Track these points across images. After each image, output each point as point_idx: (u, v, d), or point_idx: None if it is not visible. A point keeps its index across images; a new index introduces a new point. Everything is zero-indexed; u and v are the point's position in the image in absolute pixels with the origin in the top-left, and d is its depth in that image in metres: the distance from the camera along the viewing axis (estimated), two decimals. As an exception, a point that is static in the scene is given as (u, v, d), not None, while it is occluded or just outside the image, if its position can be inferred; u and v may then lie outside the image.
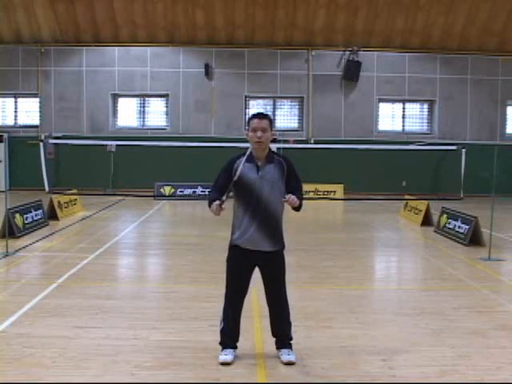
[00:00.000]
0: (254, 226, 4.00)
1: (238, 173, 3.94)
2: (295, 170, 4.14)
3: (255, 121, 4.02)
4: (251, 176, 3.99)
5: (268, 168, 4.02)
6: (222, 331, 4.20)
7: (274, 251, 4.08)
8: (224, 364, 4.04)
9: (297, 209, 4.07)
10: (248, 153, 4.05)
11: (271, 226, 4.05)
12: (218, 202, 3.89)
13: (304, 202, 4.13)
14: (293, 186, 4.07)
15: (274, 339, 4.28)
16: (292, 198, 3.89)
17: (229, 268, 4.18)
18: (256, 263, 4.12)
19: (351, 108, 20.88)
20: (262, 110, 21.38)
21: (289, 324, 4.26)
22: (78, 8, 19.66)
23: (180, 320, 5.14)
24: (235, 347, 4.20)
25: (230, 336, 4.19)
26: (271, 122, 4.09)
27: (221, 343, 4.20)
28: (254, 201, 3.99)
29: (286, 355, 4.12)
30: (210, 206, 3.96)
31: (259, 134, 3.96)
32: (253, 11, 19.77)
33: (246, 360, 4.16)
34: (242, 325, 4.25)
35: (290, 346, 4.20)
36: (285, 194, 4.00)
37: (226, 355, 4.10)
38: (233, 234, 4.13)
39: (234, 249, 4.12)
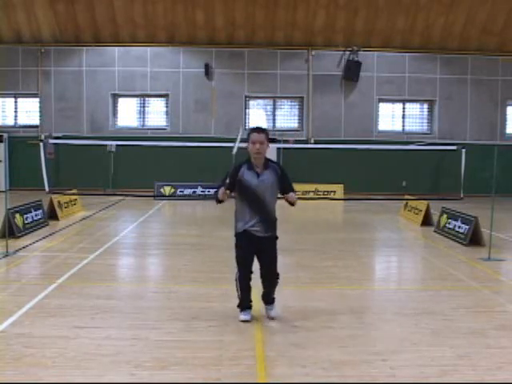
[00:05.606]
0: (256, 219, 4.88)
1: (242, 177, 4.86)
2: (286, 172, 5.03)
3: (254, 134, 4.81)
4: (253, 182, 4.85)
5: (265, 174, 4.88)
6: (241, 298, 5.11)
7: (269, 236, 4.99)
8: (245, 322, 4.99)
9: (292, 204, 4.91)
10: (247, 161, 4.89)
11: (269, 219, 4.95)
12: (223, 190, 4.71)
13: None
14: (286, 185, 4.97)
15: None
16: (291, 195, 4.87)
17: (237, 250, 5.01)
18: (256, 246, 4.92)
19: (351, 108, 20.87)
20: (261, 110, 21.50)
21: (275, 287, 5.17)
22: (77, 8, 19.66)
23: (180, 320, 5.14)
24: (250, 307, 5.14)
25: (247, 299, 5.10)
26: (268, 135, 4.91)
27: (240, 306, 5.12)
28: (256, 201, 4.86)
29: (269, 310, 5.17)
30: (217, 192, 4.79)
31: (258, 146, 4.77)
32: (253, 11, 19.76)
33: (246, 360, 4.17)
34: (242, 325, 4.33)
35: (272, 302, 5.20)
36: (278, 192, 4.96)
37: (246, 315, 5.05)
38: (236, 225, 4.99)
39: (238, 235, 4.99)
